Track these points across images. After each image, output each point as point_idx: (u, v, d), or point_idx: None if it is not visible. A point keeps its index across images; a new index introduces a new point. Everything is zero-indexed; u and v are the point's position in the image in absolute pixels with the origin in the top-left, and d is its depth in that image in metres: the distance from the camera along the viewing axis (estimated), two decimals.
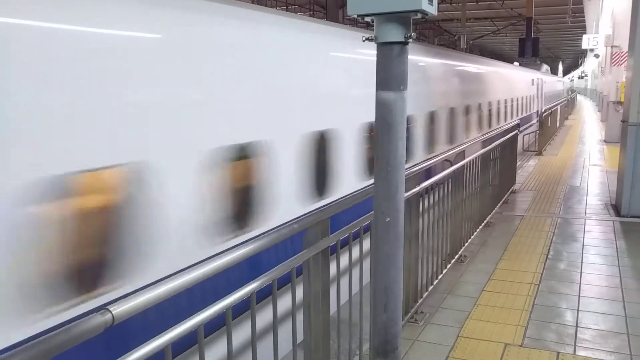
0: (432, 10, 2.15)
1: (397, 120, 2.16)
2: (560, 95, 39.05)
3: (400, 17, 2.12)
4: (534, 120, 19.14)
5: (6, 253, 2.33)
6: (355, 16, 2.20)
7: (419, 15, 2.13)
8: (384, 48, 2.17)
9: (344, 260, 2.97)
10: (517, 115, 16.12)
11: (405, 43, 2.16)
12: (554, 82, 35.58)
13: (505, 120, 13.87)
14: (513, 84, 15.88)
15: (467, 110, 9.85)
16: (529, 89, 19.61)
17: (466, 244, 5.60)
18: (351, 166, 5.33)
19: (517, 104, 16.19)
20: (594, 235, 6.36)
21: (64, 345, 1.49)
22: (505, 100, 14.10)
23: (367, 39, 2.20)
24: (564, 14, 24.93)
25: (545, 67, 30.22)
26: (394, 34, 2.13)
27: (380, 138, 2.19)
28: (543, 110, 17.22)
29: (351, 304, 3.09)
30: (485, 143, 6.53)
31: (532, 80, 21.39)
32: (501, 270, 5.20)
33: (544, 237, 6.31)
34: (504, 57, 43.37)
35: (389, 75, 2.16)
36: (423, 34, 33.59)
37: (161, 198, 3.08)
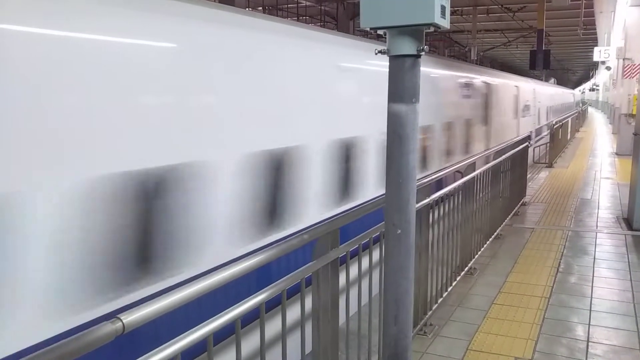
0: (445, 23, 2.17)
1: (409, 133, 2.16)
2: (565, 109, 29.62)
3: (413, 31, 2.14)
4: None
5: None
6: (368, 29, 2.22)
7: (432, 29, 2.15)
8: (396, 61, 2.19)
9: (354, 270, 2.96)
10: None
11: (418, 56, 2.17)
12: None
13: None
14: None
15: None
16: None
17: (476, 256, 5.56)
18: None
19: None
20: (606, 249, 6.30)
21: (74, 354, 1.48)
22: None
23: (380, 51, 2.21)
24: (575, 26, 24.86)
25: None
26: (407, 47, 2.15)
27: (392, 150, 2.20)
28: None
29: (360, 315, 3.07)
30: (495, 155, 6.47)
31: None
32: (511, 283, 5.16)
33: (555, 250, 6.26)
34: (515, 69, 42.84)
35: (401, 88, 2.17)
36: (433, 45, 33.65)
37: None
